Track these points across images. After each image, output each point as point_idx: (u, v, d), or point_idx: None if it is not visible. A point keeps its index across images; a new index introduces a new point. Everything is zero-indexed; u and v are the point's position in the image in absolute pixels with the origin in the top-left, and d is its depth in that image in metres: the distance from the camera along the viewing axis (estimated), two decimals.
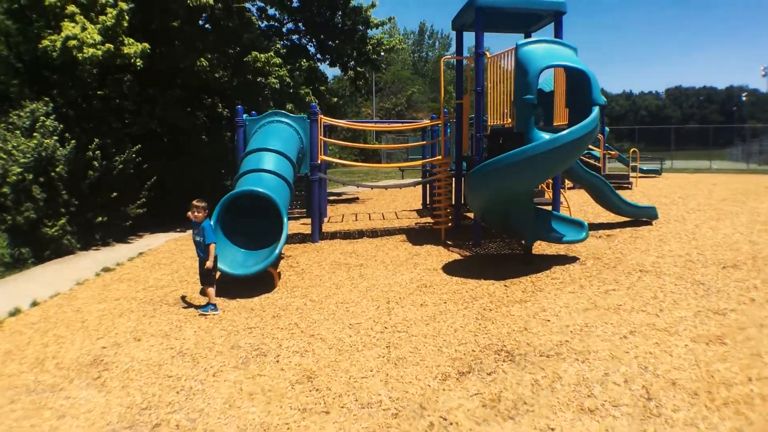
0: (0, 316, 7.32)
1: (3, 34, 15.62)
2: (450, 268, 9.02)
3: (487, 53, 10.55)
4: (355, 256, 10.17)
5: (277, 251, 7.76)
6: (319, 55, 21.06)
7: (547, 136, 7.89)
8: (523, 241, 9.42)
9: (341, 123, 15.24)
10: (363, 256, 10.16)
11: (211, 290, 7.15)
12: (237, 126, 10.63)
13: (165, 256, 11.07)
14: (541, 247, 9.77)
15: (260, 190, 8.28)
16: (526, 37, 11.47)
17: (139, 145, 13.11)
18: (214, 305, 7.08)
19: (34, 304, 7.86)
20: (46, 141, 11.41)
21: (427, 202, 16.69)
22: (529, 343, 5.75)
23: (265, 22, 20.58)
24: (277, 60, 15.21)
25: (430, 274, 8.70)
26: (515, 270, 8.59)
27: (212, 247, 7.03)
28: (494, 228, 10.80)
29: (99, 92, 14.10)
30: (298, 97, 16.68)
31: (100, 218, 12.25)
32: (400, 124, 20.62)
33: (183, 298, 7.87)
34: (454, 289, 7.87)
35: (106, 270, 9.91)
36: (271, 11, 20.51)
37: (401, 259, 9.78)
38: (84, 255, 11.58)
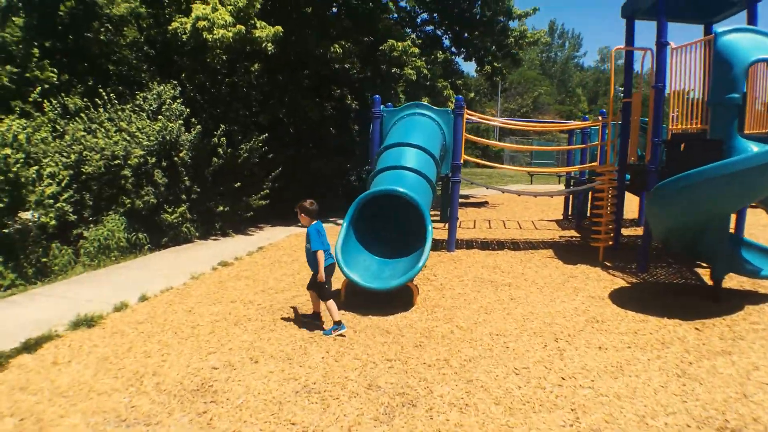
0: (104, 309, 6.43)
1: (135, 19, 15.42)
2: (619, 299, 7.29)
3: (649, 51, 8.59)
4: (499, 272, 8.61)
5: (420, 264, 6.38)
6: (453, 48, 19.62)
7: (754, 146, 6.18)
8: (700, 268, 7.46)
9: (492, 120, 13.56)
10: (509, 273, 8.60)
11: (332, 305, 5.74)
12: (373, 117, 9.39)
13: (286, 253, 10.03)
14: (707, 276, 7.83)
15: (402, 190, 6.94)
16: (706, 31, 9.47)
17: (266, 134, 12.23)
18: (339, 322, 5.73)
19: (143, 298, 6.94)
20: (170, 124, 10.73)
21: (569, 214, 14.75)
22: (756, 419, 4.11)
23: (395, 15, 19.42)
24: (415, 50, 13.91)
25: (598, 305, 7.01)
26: (701, 308, 6.83)
27: (320, 255, 5.60)
28: (674, 252, 8.88)
29: (227, 79, 13.44)
30: (435, 91, 15.33)
31: (221, 207, 11.48)
32: (557, 124, 18.57)
33: (308, 310, 6.64)
34: (634, 328, 6.16)
35: (224, 264, 8.96)
36: (402, 3, 19.34)
37: (556, 281, 8.12)
38: (201, 245, 10.80)
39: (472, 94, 20.86)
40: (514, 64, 19.49)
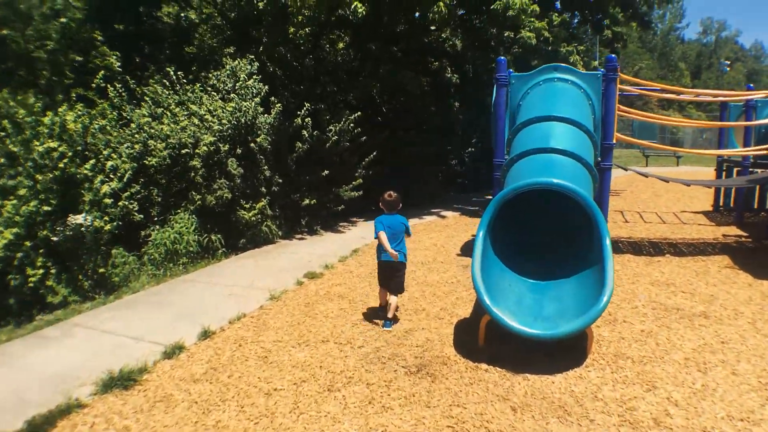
0: (152, 354, 4.70)
1: None
2: None
3: None
4: (679, 293, 6.31)
5: (605, 297, 4.16)
6: (567, 12, 16.91)
7: None
8: None
9: (648, 88, 10.74)
10: (692, 294, 6.26)
11: (394, 300, 5.40)
12: (497, 85, 7.14)
13: None
14: None
15: (561, 183, 4.71)
16: None
17: (359, 113, 10.25)
18: (391, 320, 5.37)
19: (206, 334, 5.16)
20: (245, 104, 8.94)
21: (722, 204, 11.90)
22: None
23: None
24: (535, 7, 11.45)
25: None
26: None
27: (381, 235, 5.34)
28: None
29: (311, 53, 11.54)
30: (558, 58, 12.84)
31: (307, 200, 9.66)
32: (734, 93, 15.44)
33: (438, 354, 4.62)
34: None
35: (311, 276, 7.10)
36: None
37: (767, 309, 5.72)
38: (285, 246, 9.01)
39: (595, 63, 18.03)
40: (643, 27, 16.48)
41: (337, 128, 9.92)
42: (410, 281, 6.74)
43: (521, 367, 4.27)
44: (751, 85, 10.75)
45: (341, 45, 13.44)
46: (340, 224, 10.79)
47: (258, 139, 8.93)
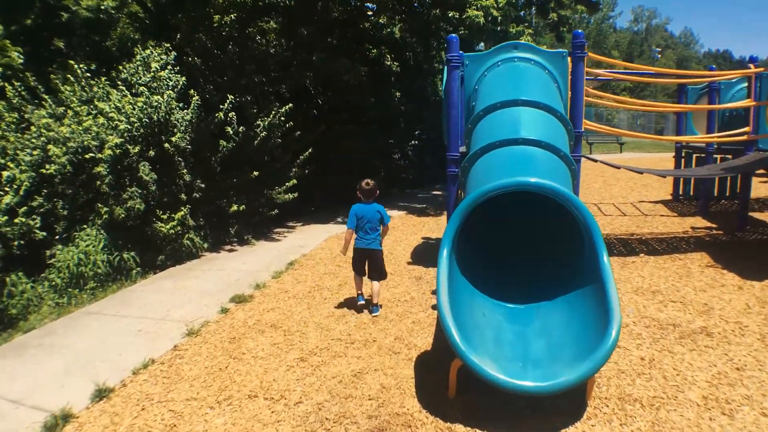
0: (27, 431, 3.54)
1: None
2: None
3: None
4: (669, 303, 5.62)
5: (613, 332, 3.23)
6: None
7: None
8: None
9: (613, 72, 9.81)
10: (684, 304, 5.61)
11: (377, 286, 5.58)
12: (449, 67, 6.17)
13: (329, 271, 7.10)
14: None
15: (547, 183, 3.79)
16: None
17: (290, 105, 9.15)
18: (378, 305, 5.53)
19: (101, 394, 4.05)
20: (156, 98, 7.72)
21: (680, 192, 11.38)
22: None
23: None
24: None
25: None
26: None
27: (346, 235, 5.50)
28: None
29: (237, 37, 10.33)
30: (508, 39, 12.01)
31: (235, 207, 8.51)
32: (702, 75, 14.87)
33: (398, 410, 3.66)
34: None
35: (239, 300, 6.02)
36: None
37: None
38: (211, 261, 7.87)
39: (544, 47, 17.29)
40: (590, 8, 15.86)
41: (266, 123, 8.80)
42: (356, 301, 5.76)
43: (507, 427, 3.35)
44: (713, 66, 10.21)
45: (272, 35, 12.27)
46: (275, 231, 9.70)
47: (173, 139, 7.73)
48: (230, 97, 8.38)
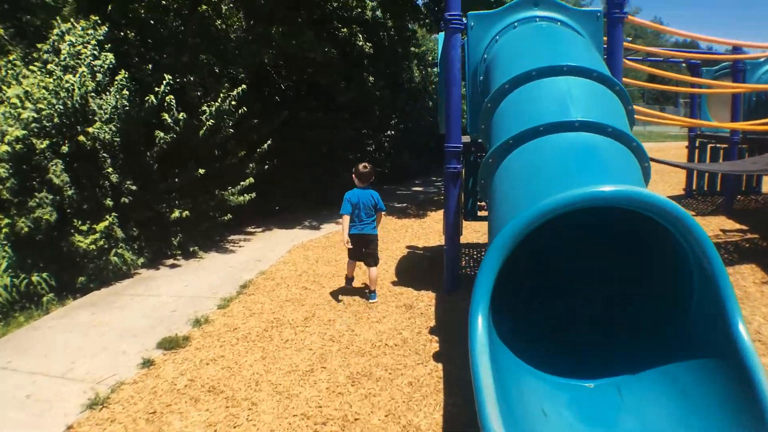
0: None
1: None
2: None
3: None
4: (756, 345, 4.06)
5: None
6: None
7: None
8: None
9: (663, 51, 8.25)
10: (758, 340, 4.09)
11: (374, 272, 5.31)
12: (449, 29, 4.58)
13: (294, 293, 5.60)
14: None
15: (661, 199, 2.27)
16: None
17: (243, 86, 7.51)
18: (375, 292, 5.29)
19: None
20: (67, 78, 6.05)
21: (694, 187, 9.90)
22: None
23: None
24: None
25: None
26: None
27: (344, 220, 5.17)
28: None
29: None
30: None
31: (177, 212, 6.88)
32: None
33: None
34: None
35: (170, 346, 4.46)
36: None
37: None
38: (145, 282, 6.26)
39: None
40: None
41: (213, 109, 7.15)
42: (326, 341, 4.25)
43: None
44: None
45: (224, 8, 10.57)
46: (229, 239, 8.10)
47: (91, 129, 6.07)
48: (167, 77, 6.72)
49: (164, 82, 6.71)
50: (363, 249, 5.25)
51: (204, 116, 7.06)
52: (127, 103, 6.54)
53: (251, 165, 8.12)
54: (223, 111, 7.20)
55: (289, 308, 5.20)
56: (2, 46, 8.26)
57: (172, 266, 6.91)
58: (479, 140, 4.88)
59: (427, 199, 11.18)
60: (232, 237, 8.21)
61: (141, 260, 6.83)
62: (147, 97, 6.42)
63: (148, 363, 4.17)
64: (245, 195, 7.62)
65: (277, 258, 7.01)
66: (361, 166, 5.22)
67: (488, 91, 4.11)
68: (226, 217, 7.64)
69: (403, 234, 8.16)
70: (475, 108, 4.77)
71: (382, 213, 5.36)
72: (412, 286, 5.65)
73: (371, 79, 12.17)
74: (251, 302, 5.41)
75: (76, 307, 5.66)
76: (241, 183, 7.55)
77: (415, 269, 6.32)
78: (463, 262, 6.25)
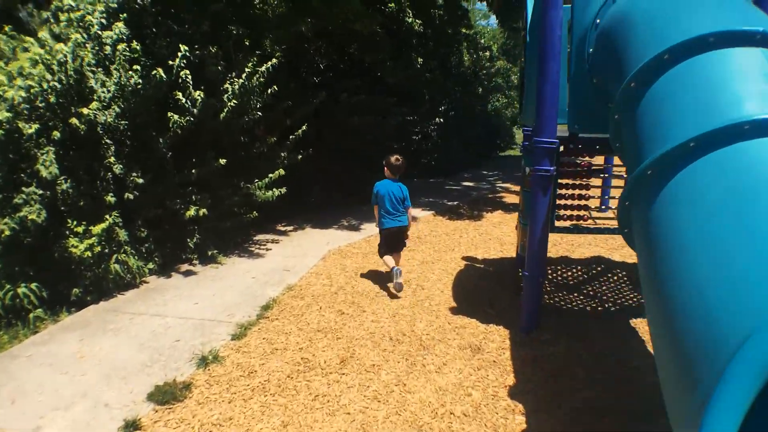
0: None
1: None
2: None
3: None
4: None
5: None
6: None
7: None
8: None
9: None
10: None
11: (388, 260, 5.18)
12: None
13: (328, 319, 4.45)
14: None
15: None
16: None
17: (275, 60, 6.35)
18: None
19: None
20: (58, 47, 4.98)
21: None
22: None
23: None
24: None
25: None
26: None
27: (375, 209, 5.21)
28: None
29: None
30: None
31: (193, 209, 5.79)
32: None
33: None
34: None
35: (164, 400, 3.35)
36: None
37: None
38: (151, 296, 5.19)
39: None
40: None
41: (237, 87, 6.00)
42: (369, 400, 3.09)
43: None
44: None
45: None
46: (255, 240, 7.02)
47: (85, 111, 4.99)
48: (183, 48, 5.60)
49: (179, 54, 5.58)
50: (400, 241, 5.26)
51: (226, 95, 5.92)
52: (139, 80, 5.44)
53: (283, 154, 7.00)
54: (249, 89, 6.05)
55: (320, 343, 4.05)
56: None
57: (187, 273, 5.85)
58: (579, 134, 3.63)
59: (481, 198, 9.90)
60: (258, 237, 7.14)
61: (150, 266, 5.80)
62: (155, 72, 5.29)
63: (131, 426, 3.07)
64: (274, 189, 6.50)
65: (308, 267, 5.89)
66: (393, 158, 5.10)
67: (606, 67, 2.85)
68: (251, 215, 6.53)
69: (457, 240, 6.94)
70: (579, 91, 3.52)
71: (409, 208, 5.19)
72: (476, 317, 4.44)
73: (420, 60, 10.93)
74: (274, 331, 4.28)
75: (65, 327, 4.63)
76: (270, 175, 6.42)
77: (478, 291, 5.10)
78: None
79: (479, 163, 13.83)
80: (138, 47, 5.74)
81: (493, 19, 14.75)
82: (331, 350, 3.93)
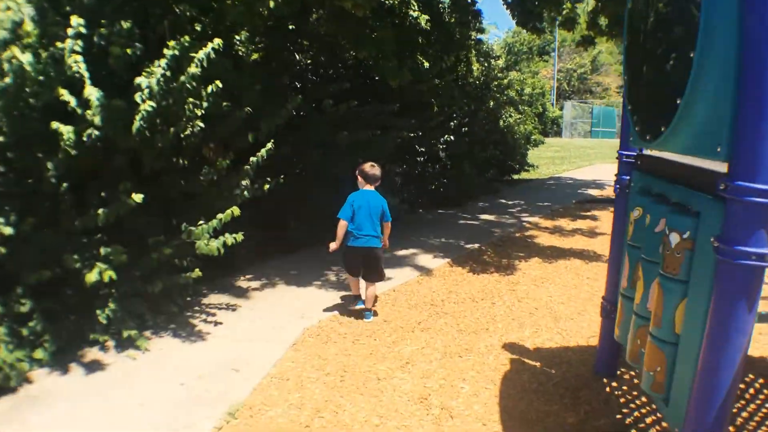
0: None
1: None
2: None
3: None
4: None
5: None
6: None
7: None
8: None
9: None
10: None
11: (373, 291, 4.52)
12: None
13: None
14: None
15: None
16: None
17: (219, 40, 4.27)
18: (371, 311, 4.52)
19: None
20: None
21: None
22: None
23: None
24: None
25: None
26: None
27: (339, 226, 4.38)
28: None
29: None
30: None
31: (97, 269, 3.70)
32: None
33: None
34: None
35: None
36: None
37: None
38: (26, 411, 3.04)
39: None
40: None
41: (155, 81, 3.90)
42: None
43: None
44: None
45: None
46: (203, 305, 4.94)
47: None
48: (75, 20, 3.55)
49: (69, 31, 3.53)
50: (366, 265, 4.47)
51: (137, 94, 3.83)
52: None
53: (244, 183, 4.95)
54: (177, 87, 3.97)
55: None
56: None
57: (90, 368, 3.78)
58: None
59: (507, 237, 7.76)
60: (209, 299, 5.06)
61: (38, 355, 3.72)
62: (6, 51, 3.23)
63: None
64: (224, 236, 4.40)
65: (270, 364, 3.81)
66: (367, 165, 4.54)
67: None
68: (192, 275, 4.45)
69: (490, 311, 4.86)
70: None
71: (389, 224, 4.52)
72: None
73: (426, 64, 8.95)
74: None
75: None
76: (218, 216, 4.33)
77: (544, 426, 3.02)
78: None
79: (496, 188, 11.82)
80: (32, 29, 3.72)
81: (493, 34, 12.95)
82: None
